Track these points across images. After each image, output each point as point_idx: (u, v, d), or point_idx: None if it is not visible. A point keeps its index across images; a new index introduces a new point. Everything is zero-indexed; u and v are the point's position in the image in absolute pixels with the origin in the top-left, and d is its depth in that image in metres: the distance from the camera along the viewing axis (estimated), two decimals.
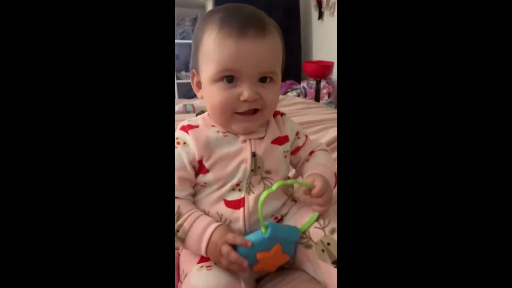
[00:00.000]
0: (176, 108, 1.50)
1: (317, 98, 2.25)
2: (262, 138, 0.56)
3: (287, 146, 0.59)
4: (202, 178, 0.54)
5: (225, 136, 0.55)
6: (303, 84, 2.31)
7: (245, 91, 0.50)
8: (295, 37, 2.71)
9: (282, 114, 0.62)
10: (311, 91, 2.27)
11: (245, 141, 0.55)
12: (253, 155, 0.54)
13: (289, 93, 2.33)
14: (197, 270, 0.48)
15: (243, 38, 0.48)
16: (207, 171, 0.53)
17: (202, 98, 0.57)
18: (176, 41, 2.78)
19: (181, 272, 0.54)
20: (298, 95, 2.28)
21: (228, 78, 0.50)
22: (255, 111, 0.53)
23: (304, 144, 0.62)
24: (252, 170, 0.53)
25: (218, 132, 0.55)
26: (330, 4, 2.41)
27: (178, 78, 2.86)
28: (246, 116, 0.53)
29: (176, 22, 2.84)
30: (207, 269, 0.47)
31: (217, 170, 0.53)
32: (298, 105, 1.54)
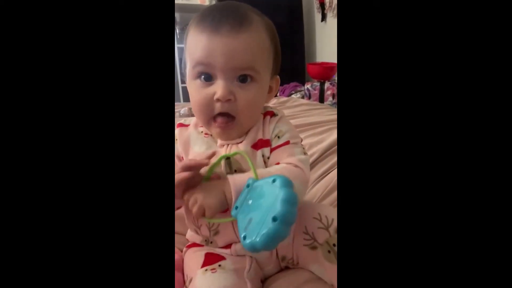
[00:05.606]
0: (182, 111, 1.53)
1: (321, 99, 2.25)
2: (241, 143, 0.53)
3: (266, 151, 0.53)
4: None
5: (206, 136, 0.55)
6: (307, 86, 2.31)
7: (218, 89, 0.48)
8: (299, 39, 2.71)
9: (274, 115, 0.56)
10: (315, 93, 2.26)
11: (222, 145, 0.53)
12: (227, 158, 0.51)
13: (293, 95, 2.33)
14: (202, 273, 0.48)
15: (215, 33, 0.47)
16: None
17: None
18: (182, 46, 2.80)
19: (185, 277, 0.54)
20: (302, 97, 2.27)
21: (206, 76, 0.49)
22: (229, 118, 0.50)
23: (279, 147, 0.53)
24: (228, 174, 0.50)
25: (202, 132, 0.55)
26: (333, 6, 2.41)
27: (183, 82, 2.88)
28: (221, 123, 0.50)
29: (181, 27, 2.87)
30: (212, 272, 0.48)
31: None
32: (302, 107, 1.54)
